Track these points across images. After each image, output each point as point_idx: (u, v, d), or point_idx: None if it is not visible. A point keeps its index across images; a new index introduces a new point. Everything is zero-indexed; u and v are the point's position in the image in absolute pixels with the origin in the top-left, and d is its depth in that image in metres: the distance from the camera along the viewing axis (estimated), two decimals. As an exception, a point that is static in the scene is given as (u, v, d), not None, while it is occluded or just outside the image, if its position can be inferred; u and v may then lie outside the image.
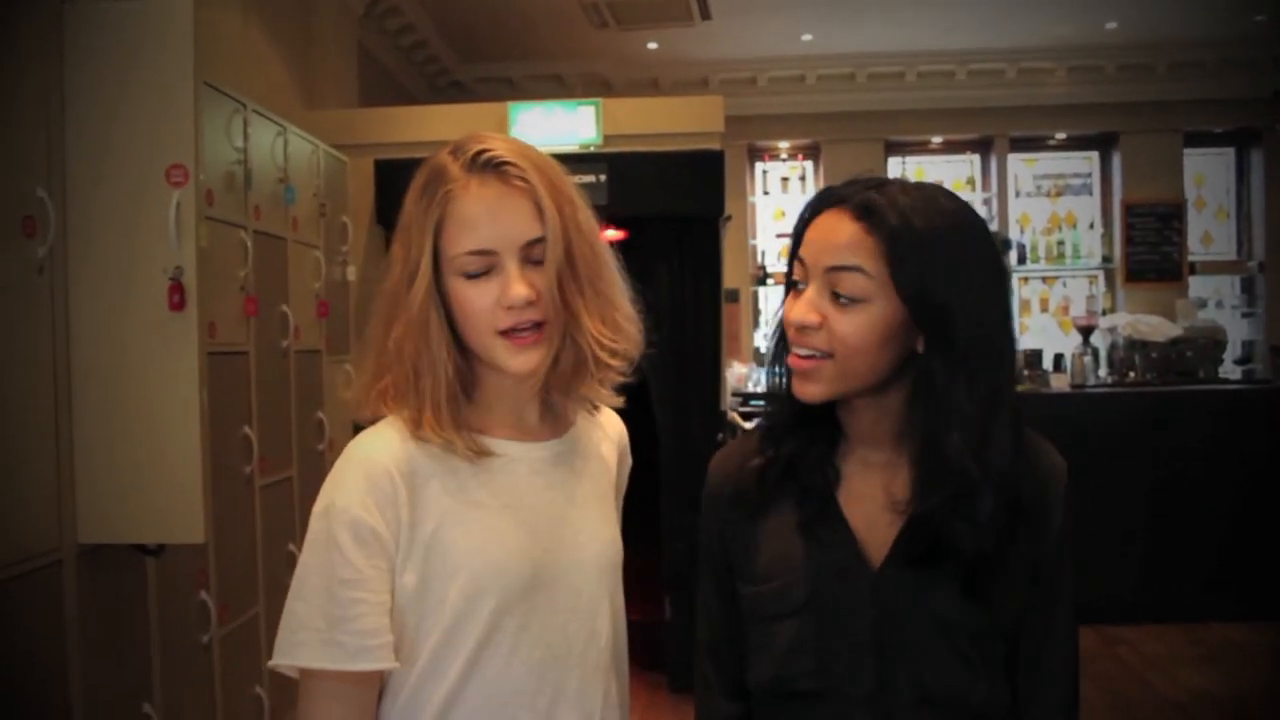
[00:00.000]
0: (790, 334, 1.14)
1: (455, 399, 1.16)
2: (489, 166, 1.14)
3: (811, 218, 1.16)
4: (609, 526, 1.27)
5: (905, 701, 1.12)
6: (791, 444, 1.19)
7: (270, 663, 1.13)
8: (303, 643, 1.10)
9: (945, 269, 1.09)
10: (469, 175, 1.14)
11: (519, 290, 1.12)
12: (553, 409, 1.26)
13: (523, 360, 1.15)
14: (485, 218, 1.13)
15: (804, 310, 1.12)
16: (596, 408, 1.30)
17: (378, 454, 1.14)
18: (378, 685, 1.13)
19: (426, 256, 1.13)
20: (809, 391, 1.14)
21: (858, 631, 1.13)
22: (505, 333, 1.14)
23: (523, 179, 1.14)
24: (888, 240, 1.09)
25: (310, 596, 1.10)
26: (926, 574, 1.12)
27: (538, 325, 1.14)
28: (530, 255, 1.14)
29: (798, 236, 1.17)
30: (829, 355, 1.11)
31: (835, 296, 1.11)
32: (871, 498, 1.17)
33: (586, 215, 1.19)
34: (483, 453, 1.17)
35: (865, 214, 1.10)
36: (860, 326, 1.10)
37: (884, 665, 1.12)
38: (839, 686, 1.13)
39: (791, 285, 1.17)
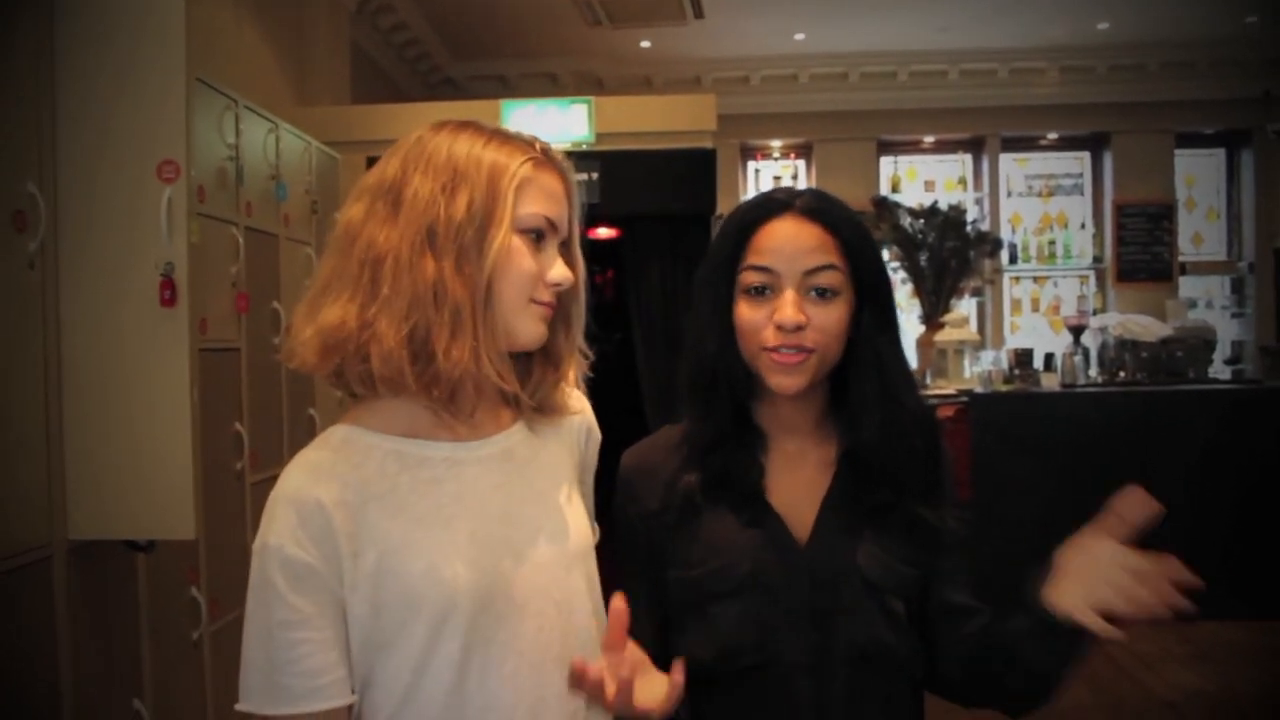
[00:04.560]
0: (771, 336, 1.23)
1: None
2: (554, 160, 1.19)
3: (755, 228, 1.26)
4: (575, 514, 1.22)
5: (841, 663, 1.22)
6: (722, 456, 1.29)
7: (236, 705, 1.08)
8: (253, 686, 1.07)
9: (874, 249, 1.28)
10: (544, 159, 1.17)
11: (564, 271, 1.16)
12: (507, 401, 1.22)
13: (542, 331, 1.17)
14: (559, 196, 1.17)
15: (795, 311, 1.21)
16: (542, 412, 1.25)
17: (307, 485, 1.09)
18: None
19: (509, 204, 1.12)
20: (793, 384, 1.24)
21: (795, 603, 1.22)
22: (538, 303, 1.15)
23: (567, 180, 1.20)
24: (845, 236, 1.25)
25: (254, 638, 1.07)
26: (849, 541, 1.24)
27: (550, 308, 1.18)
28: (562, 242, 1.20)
29: (741, 246, 1.27)
30: (812, 350, 1.22)
31: (815, 294, 1.23)
32: (791, 484, 1.29)
33: None
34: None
35: (817, 216, 1.25)
36: (839, 317, 1.24)
37: (820, 632, 1.22)
38: (780, 657, 1.22)
39: (756, 290, 1.25)
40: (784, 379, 1.23)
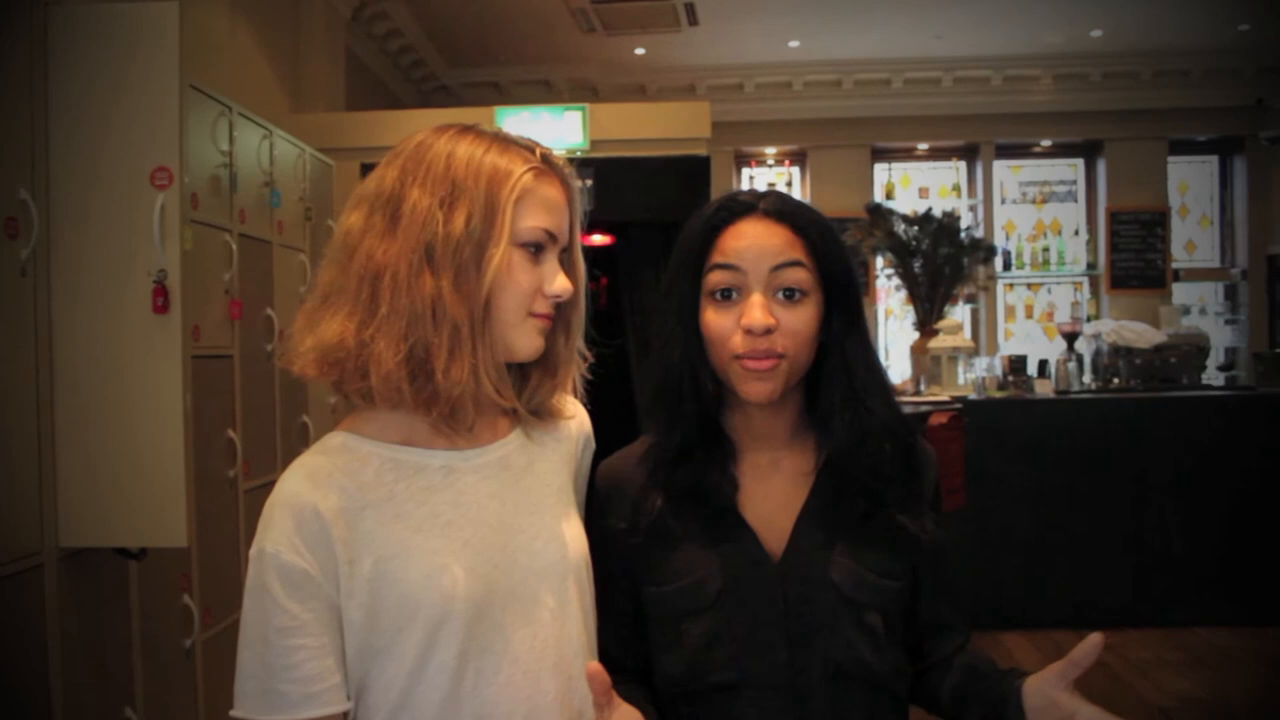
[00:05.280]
0: (740, 342, 1.18)
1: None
2: (555, 167, 1.18)
3: (720, 230, 1.22)
4: (570, 524, 1.22)
5: (818, 680, 1.18)
6: (690, 470, 1.24)
7: (231, 712, 1.08)
8: (249, 692, 1.06)
9: (841, 250, 1.24)
10: (545, 168, 1.16)
11: (564, 283, 1.16)
12: (505, 411, 1.22)
13: (540, 343, 1.16)
14: (560, 206, 1.16)
15: (763, 314, 1.17)
16: (541, 417, 1.26)
17: (304, 491, 1.08)
18: None
19: (508, 219, 1.11)
20: (765, 391, 1.19)
21: (769, 620, 1.19)
22: (536, 315, 1.15)
23: (569, 187, 1.20)
24: (811, 236, 1.21)
25: (250, 644, 1.06)
26: (825, 555, 1.21)
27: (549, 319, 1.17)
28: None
29: (706, 248, 1.23)
30: (783, 354, 1.18)
31: (783, 295, 1.19)
32: (764, 497, 1.25)
33: None
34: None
35: (783, 217, 1.21)
36: (808, 319, 1.20)
37: (795, 649, 1.18)
38: (754, 675, 1.18)
39: (723, 294, 1.21)
40: (755, 386, 1.19)
